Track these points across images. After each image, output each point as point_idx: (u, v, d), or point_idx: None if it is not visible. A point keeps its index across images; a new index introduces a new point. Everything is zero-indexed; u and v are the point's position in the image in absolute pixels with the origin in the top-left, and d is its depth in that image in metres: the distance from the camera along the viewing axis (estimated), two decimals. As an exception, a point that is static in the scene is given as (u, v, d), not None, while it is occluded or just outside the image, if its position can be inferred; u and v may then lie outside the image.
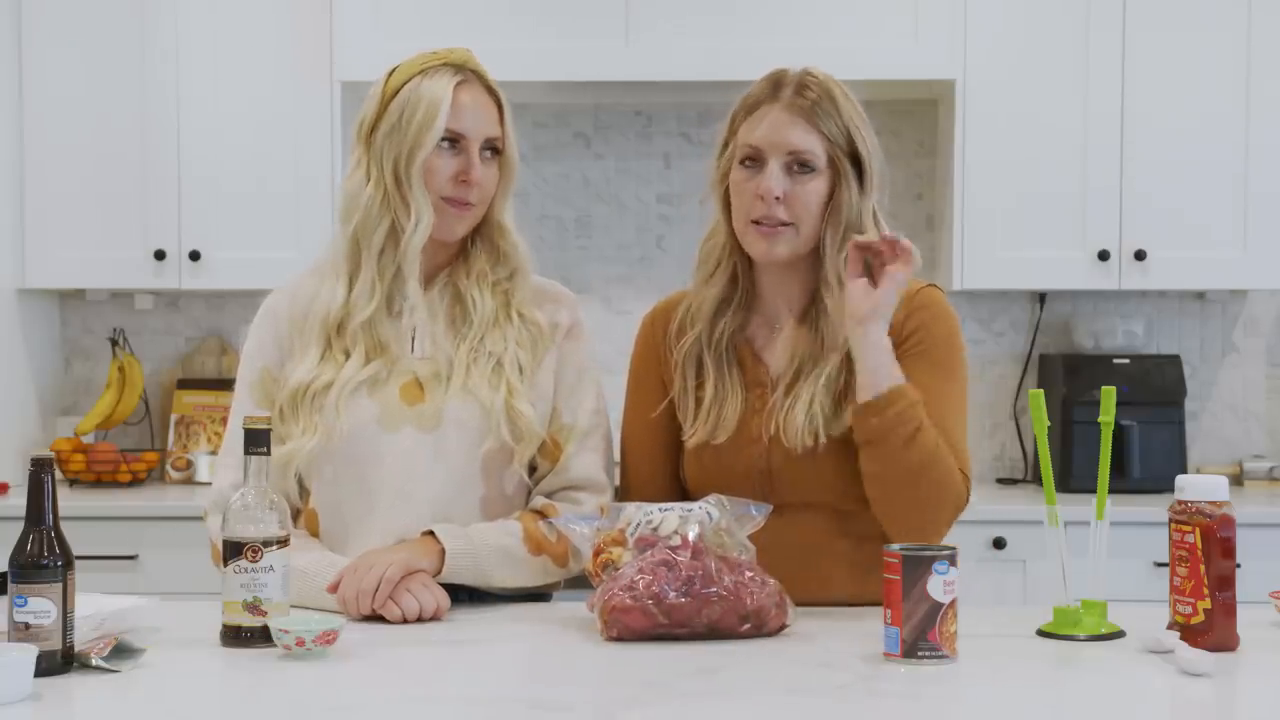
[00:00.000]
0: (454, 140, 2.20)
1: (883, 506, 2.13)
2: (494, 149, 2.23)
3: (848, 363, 2.16)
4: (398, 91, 2.20)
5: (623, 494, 2.29)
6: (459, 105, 2.19)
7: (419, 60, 2.22)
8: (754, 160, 2.17)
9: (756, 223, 2.16)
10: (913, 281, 2.23)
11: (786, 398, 2.18)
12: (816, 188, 2.16)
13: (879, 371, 2.08)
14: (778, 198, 2.14)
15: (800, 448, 2.14)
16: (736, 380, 2.23)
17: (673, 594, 1.90)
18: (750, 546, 2.00)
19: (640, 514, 1.99)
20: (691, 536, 1.95)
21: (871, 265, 2.11)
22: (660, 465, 2.29)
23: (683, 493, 2.27)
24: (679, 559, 1.93)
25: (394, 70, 2.23)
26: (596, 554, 2.00)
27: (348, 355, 2.21)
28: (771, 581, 1.96)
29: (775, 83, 2.19)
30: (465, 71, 2.22)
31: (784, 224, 2.15)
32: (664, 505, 2.01)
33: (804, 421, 2.15)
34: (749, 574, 1.95)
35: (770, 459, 2.18)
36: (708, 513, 1.99)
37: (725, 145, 2.23)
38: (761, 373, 2.23)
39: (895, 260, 2.09)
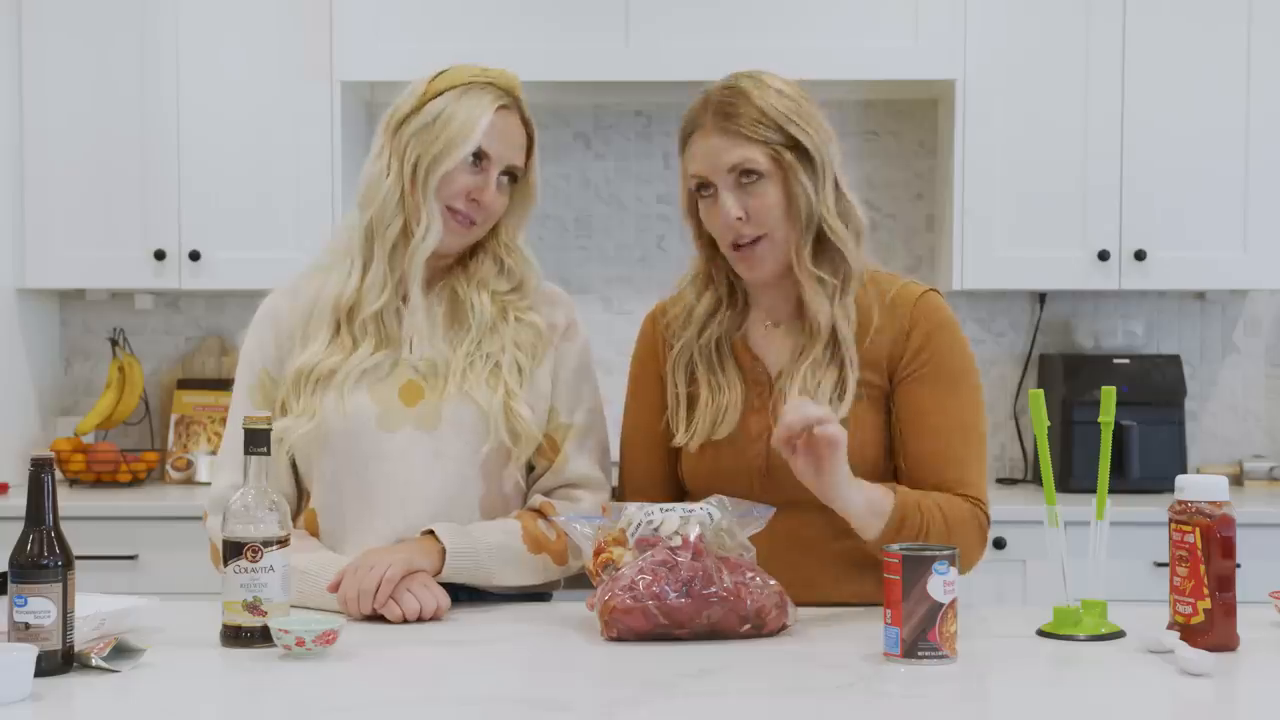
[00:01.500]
0: (478, 159, 2.21)
1: None
2: (512, 176, 2.26)
3: (831, 345, 2.17)
4: (439, 95, 2.21)
5: (621, 493, 2.30)
6: (494, 128, 2.21)
7: (468, 72, 2.23)
8: (705, 189, 2.18)
9: (734, 247, 2.17)
10: (912, 286, 2.23)
11: (784, 391, 2.18)
12: (771, 192, 2.15)
13: (868, 513, 2.05)
14: (739, 218, 2.14)
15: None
16: (734, 377, 2.23)
17: (673, 594, 1.90)
18: (751, 548, 2.00)
19: (641, 514, 1.99)
20: (692, 537, 1.95)
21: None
22: (659, 464, 2.29)
23: (681, 492, 2.27)
24: (679, 559, 1.92)
25: (441, 74, 2.24)
26: (597, 553, 2.00)
27: (355, 343, 2.22)
28: (772, 582, 1.96)
29: (701, 107, 2.19)
30: (509, 97, 2.24)
31: (757, 239, 2.16)
32: (665, 505, 2.01)
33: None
34: (750, 574, 1.95)
35: (770, 456, 2.18)
36: (709, 513, 1.99)
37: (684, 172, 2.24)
38: (760, 371, 2.23)
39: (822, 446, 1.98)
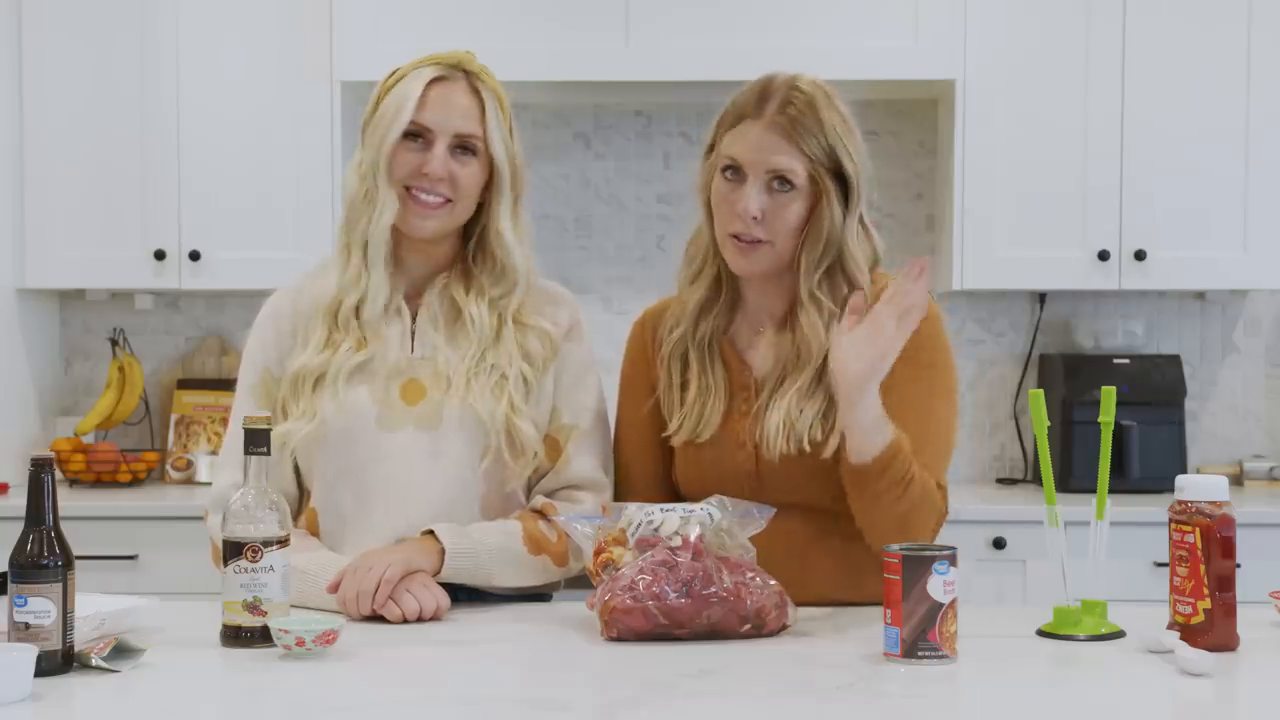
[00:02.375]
0: (418, 134, 2.21)
1: (867, 533, 2.14)
2: (468, 148, 2.23)
3: (821, 374, 2.16)
4: (391, 90, 2.22)
5: (616, 497, 2.29)
6: (426, 100, 2.20)
7: (414, 62, 2.25)
8: (734, 172, 2.15)
9: (735, 237, 2.15)
10: (891, 277, 2.23)
11: (766, 408, 2.18)
12: (795, 208, 2.14)
13: (871, 433, 2.04)
14: (755, 217, 2.13)
15: (778, 457, 2.14)
16: (720, 379, 2.23)
17: (673, 594, 1.90)
18: (751, 548, 2.00)
19: (642, 514, 1.99)
20: (692, 537, 1.95)
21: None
22: (651, 467, 2.29)
23: (675, 494, 2.27)
24: (679, 559, 1.92)
25: (394, 71, 2.25)
26: (597, 553, 2.00)
27: (341, 341, 2.23)
28: (772, 582, 1.96)
29: (761, 94, 2.16)
30: (454, 71, 2.23)
31: (760, 241, 2.15)
32: (666, 506, 2.01)
33: (778, 431, 2.15)
34: (750, 574, 1.95)
35: (758, 462, 2.18)
36: (709, 514, 1.99)
37: (710, 149, 2.21)
38: (746, 375, 2.23)
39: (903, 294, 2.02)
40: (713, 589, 1.91)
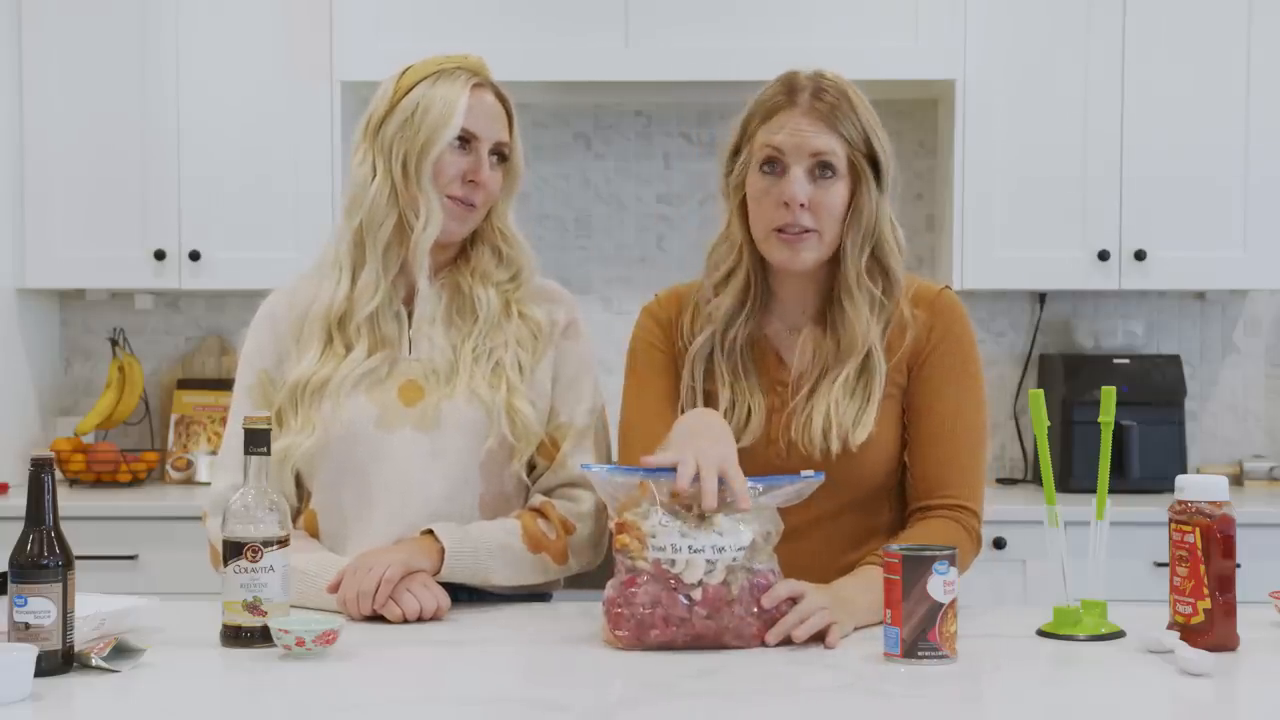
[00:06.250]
0: (466, 140, 2.22)
1: None
2: (501, 155, 2.26)
3: (865, 365, 2.16)
4: (411, 89, 2.22)
5: None
6: (473, 107, 2.21)
7: (434, 62, 2.24)
8: (774, 164, 2.13)
9: (780, 230, 2.13)
10: (929, 284, 2.24)
11: (806, 404, 2.16)
12: (839, 192, 2.13)
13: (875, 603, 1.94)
14: (802, 205, 2.11)
15: (819, 454, 2.13)
16: (755, 383, 2.20)
17: (681, 643, 1.87)
18: (774, 557, 1.94)
19: (664, 535, 1.88)
20: (714, 581, 1.87)
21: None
22: None
23: None
24: (695, 614, 1.86)
25: (408, 69, 2.25)
26: (619, 529, 1.91)
27: (349, 349, 2.22)
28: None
29: (790, 86, 2.16)
30: (479, 77, 2.25)
31: (808, 231, 2.13)
32: (695, 542, 1.88)
33: (821, 429, 2.13)
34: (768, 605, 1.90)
35: (789, 457, 2.15)
36: (740, 549, 1.89)
37: (736, 150, 2.19)
38: (784, 373, 2.21)
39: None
40: (725, 639, 1.87)
